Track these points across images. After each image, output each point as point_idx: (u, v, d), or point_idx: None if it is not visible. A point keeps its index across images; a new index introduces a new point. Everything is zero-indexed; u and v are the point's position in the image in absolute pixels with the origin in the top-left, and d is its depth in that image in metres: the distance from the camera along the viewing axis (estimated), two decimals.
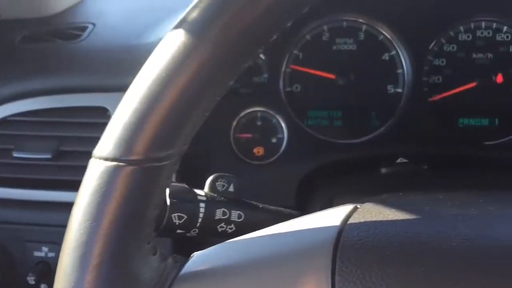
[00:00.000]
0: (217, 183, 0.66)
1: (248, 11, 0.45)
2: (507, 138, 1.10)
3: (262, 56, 1.12)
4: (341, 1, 1.10)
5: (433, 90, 1.11)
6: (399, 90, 1.11)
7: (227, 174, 0.68)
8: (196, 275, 0.49)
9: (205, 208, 0.63)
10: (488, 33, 1.11)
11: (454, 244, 0.46)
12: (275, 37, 0.48)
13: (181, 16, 0.47)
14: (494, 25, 1.10)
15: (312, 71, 1.11)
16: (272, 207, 0.71)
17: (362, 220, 0.49)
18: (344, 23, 1.12)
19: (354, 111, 1.13)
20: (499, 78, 1.10)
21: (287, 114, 1.12)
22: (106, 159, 0.46)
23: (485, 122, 1.12)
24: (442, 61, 1.11)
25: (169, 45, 0.46)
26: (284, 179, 1.05)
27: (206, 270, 0.49)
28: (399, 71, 1.11)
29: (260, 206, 0.70)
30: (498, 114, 1.11)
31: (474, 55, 1.11)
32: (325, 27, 1.12)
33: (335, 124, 1.13)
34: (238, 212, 0.66)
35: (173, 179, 0.74)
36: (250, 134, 1.13)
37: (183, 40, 0.45)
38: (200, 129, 1.03)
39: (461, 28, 1.11)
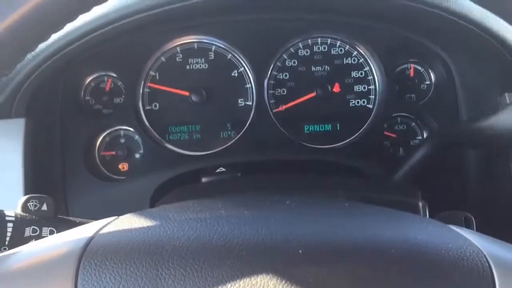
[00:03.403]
0: (28, 204, 0.74)
1: None
2: (348, 140, 1.24)
3: (120, 78, 1.21)
4: (190, 25, 1.20)
5: (279, 101, 1.23)
6: (249, 103, 1.23)
7: (40, 194, 0.76)
8: None
9: (13, 227, 0.71)
10: (324, 48, 1.24)
11: (177, 244, 0.56)
12: None
13: None
14: (329, 40, 1.23)
15: (168, 89, 1.20)
16: (87, 220, 0.79)
17: (113, 229, 0.59)
18: (196, 45, 1.22)
19: (211, 124, 1.23)
20: (336, 88, 1.23)
21: (148, 131, 1.21)
22: None
23: (328, 127, 1.25)
24: (285, 75, 1.24)
25: None
26: (141, 191, 1.14)
27: None
28: (248, 85, 1.23)
29: (77, 221, 0.78)
30: (339, 120, 1.24)
31: (313, 68, 1.24)
32: (178, 49, 1.22)
33: (195, 138, 1.23)
34: (50, 228, 0.74)
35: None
36: (114, 152, 1.21)
37: None
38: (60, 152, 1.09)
39: (300, 45, 1.23)
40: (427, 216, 0.84)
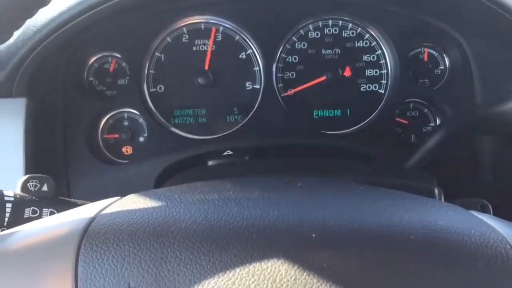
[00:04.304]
0: (28, 184, 0.71)
1: None
2: (358, 126, 1.20)
3: (124, 59, 1.17)
4: (196, 4, 1.16)
5: (287, 85, 1.20)
6: (257, 86, 1.19)
7: (40, 174, 0.73)
8: None
9: (12, 208, 0.68)
10: (335, 30, 1.20)
11: (183, 225, 0.53)
12: None
13: None
14: (340, 23, 1.19)
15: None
16: (89, 202, 0.76)
17: (116, 210, 0.56)
18: (202, 25, 1.18)
19: (217, 107, 1.20)
20: (347, 72, 1.19)
21: (153, 114, 1.18)
22: None
23: (338, 112, 1.21)
24: (295, 58, 1.20)
25: None
26: (145, 175, 1.11)
27: None
28: (256, 68, 1.19)
29: (79, 203, 0.75)
30: (349, 105, 1.21)
31: (323, 51, 1.20)
32: (184, 29, 1.18)
33: (200, 121, 1.19)
34: (50, 209, 0.71)
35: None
36: (118, 135, 1.18)
37: None
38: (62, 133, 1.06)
39: (311, 27, 1.19)
40: None
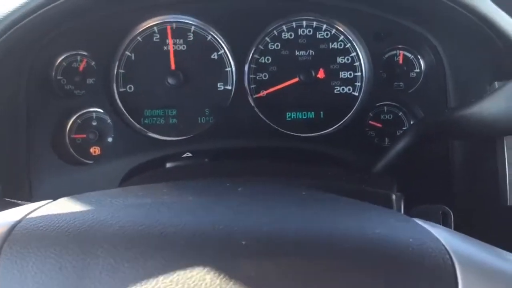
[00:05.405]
0: None
1: None
2: (331, 129, 1.18)
3: (93, 57, 1.15)
4: (169, 3, 1.14)
5: (260, 86, 1.17)
6: (229, 87, 1.17)
7: None
8: None
9: None
10: (309, 31, 1.18)
11: (109, 231, 0.51)
12: None
13: None
14: (314, 24, 1.17)
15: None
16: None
17: (44, 213, 0.54)
18: (174, 25, 1.16)
19: (188, 108, 1.17)
20: (321, 74, 1.17)
21: (122, 114, 1.15)
22: None
23: (311, 115, 1.19)
24: (268, 59, 1.18)
25: None
26: (111, 176, 1.09)
27: None
28: (228, 69, 1.17)
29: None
30: (322, 108, 1.18)
31: (297, 52, 1.17)
32: (155, 29, 1.16)
33: (171, 122, 1.17)
34: None
35: None
36: (85, 135, 1.16)
37: None
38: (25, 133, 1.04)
39: (284, 27, 1.17)
40: (402, 209, 0.79)
